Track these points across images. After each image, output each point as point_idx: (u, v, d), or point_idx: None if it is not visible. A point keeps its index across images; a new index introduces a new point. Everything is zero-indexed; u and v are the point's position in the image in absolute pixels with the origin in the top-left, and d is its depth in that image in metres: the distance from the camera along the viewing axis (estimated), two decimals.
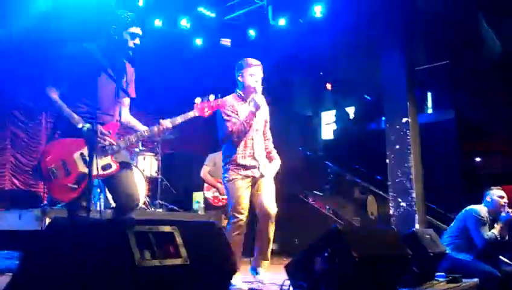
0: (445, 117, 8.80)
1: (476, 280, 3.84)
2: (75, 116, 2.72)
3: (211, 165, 6.41)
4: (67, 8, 6.21)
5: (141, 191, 5.56)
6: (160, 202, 6.01)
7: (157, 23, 7.37)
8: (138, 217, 5.01)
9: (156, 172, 6.15)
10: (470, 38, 8.88)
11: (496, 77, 8.55)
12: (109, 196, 5.34)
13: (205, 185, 6.36)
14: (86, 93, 2.76)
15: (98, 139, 2.68)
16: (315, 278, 2.51)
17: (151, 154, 6.26)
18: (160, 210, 5.90)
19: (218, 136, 3.84)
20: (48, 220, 4.36)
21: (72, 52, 2.81)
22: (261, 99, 3.55)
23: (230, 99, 3.60)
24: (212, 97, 3.19)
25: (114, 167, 2.77)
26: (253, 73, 3.62)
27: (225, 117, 3.60)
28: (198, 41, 8.00)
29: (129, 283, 1.64)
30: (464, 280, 3.60)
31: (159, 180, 6.16)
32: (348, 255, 2.46)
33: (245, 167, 3.57)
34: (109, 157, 2.77)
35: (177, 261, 1.78)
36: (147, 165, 6.09)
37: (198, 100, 3.18)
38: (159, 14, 7.43)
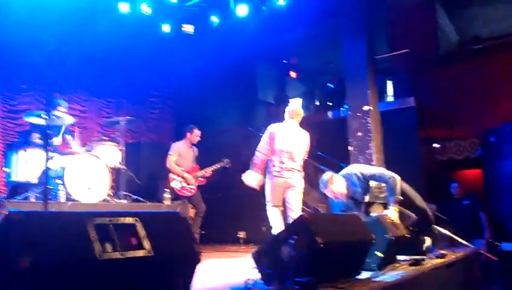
0: (405, 105, 8.99)
1: (435, 262, 3.96)
2: None
3: (176, 154, 6.31)
4: None
5: (105, 182, 5.42)
6: (125, 193, 5.88)
7: (123, 7, 7.13)
8: (99, 210, 4.90)
9: (119, 162, 6.01)
10: (427, 27, 9.10)
11: (453, 65, 8.81)
12: (70, 188, 5.19)
13: (170, 175, 6.26)
14: None
15: None
16: (282, 265, 2.52)
17: (113, 144, 6.10)
18: (125, 201, 5.77)
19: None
20: (5, 214, 4.19)
21: None
22: None
23: None
24: None
25: None
26: None
27: None
28: (165, 28, 7.79)
29: (90, 276, 1.59)
30: (424, 263, 3.70)
31: (123, 170, 6.02)
32: (313, 242, 2.48)
33: None
34: None
35: (140, 253, 1.74)
36: (109, 155, 5.93)
37: None
38: None
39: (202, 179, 6.44)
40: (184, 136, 6.47)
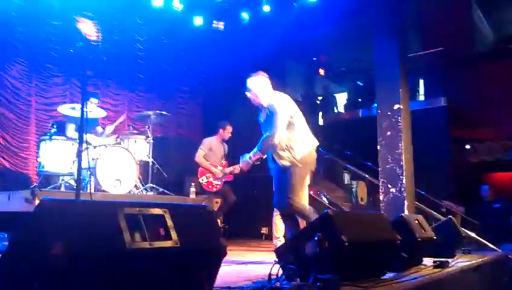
0: (436, 104, 8.84)
1: (461, 265, 3.90)
2: None
3: (207, 149, 6.36)
4: None
5: (132, 175, 5.54)
6: (151, 185, 5.99)
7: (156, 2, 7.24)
8: (129, 200, 5.01)
9: (147, 155, 6.13)
10: (463, 26, 8.89)
11: (487, 65, 8.59)
12: (100, 179, 5.33)
13: (199, 169, 6.32)
14: None
15: None
16: (305, 262, 2.53)
17: (142, 137, 6.22)
18: (151, 193, 5.89)
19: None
20: (37, 202, 4.34)
21: None
22: None
23: None
24: None
25: None
26: None
27: None
28: (196, 23, 7.87)
29: (119, 264, 1.64)
30: (449, 265, 3.65)
31: (150, 164, 6.13)
32: (338, 240, 2.48)
33: None
34: None
35: (167, 244, 1.78)
36: (138, 149, 6.05)
37: None
38: None
39: (230, 175, 6.48)
40: (216, 132, 6.51)
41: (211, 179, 6.29)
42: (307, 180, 4.34)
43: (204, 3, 7.69)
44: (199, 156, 6.32)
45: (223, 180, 6.37)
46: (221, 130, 6.48)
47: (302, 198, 4.25)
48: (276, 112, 3.85)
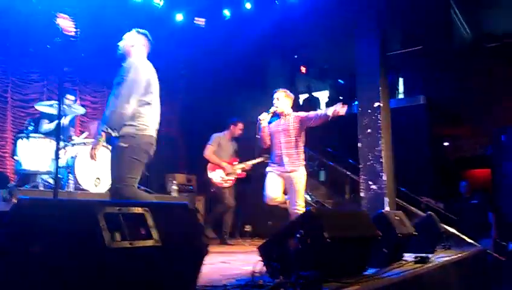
0: (415, 102, 8.95)
1: (441, 260, 3.96)
2: None
3: (216, 145, 6.24)
4: None
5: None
6: None
7: None
8: (108, 199, 4.94)
9: None
10: (441, 25, 9.01)
11: (465, 63, 8.73)
12: (79, 177, 5.24)
13: (208, 165, 6.18)
14: None
15: None
16: (288, 259, 2.53)
17: None
18: None
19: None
20: (15, 201, 4.25)
21: None
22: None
23: None
24: None
25: None
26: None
27: None
28: (177, 20, 7.80)
29: (99, 264, 1.60)
30: (430, 260, 3.69)
31: None
32: (320, 236, 2.49)
33: None
34: None
35: (148, 243, 1.75)
36: None
37: None
38: None
39: (242, 172, 6.34)
40: (227, 127, 6.39)
41: (223, 175, 6.14)
42: None
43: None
44: (210, 152, 6.17)
45: (235, 176, 6.27)
46: (232, 127, 6.36)
47: None
48: None
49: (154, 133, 3.54)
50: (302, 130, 4.70)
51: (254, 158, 6.36)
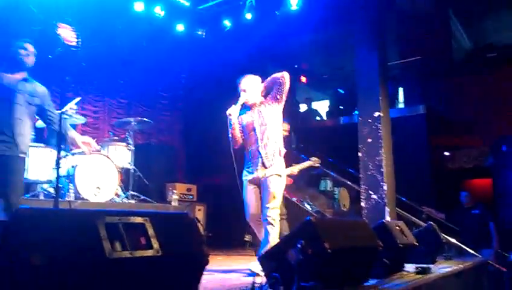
0: (415, 112, 8.96)
1: (442, 271, 3.93)
2: None
3: None
4: None
5: (113, 182, 5.46)
6: (132, 193, 5.91)
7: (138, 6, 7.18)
8: (109, 208, 4.92)
9: (128, 163, 6.05)
10: (441, 36, 9.06)
11: (464, 73, 8.76)
12: (79, 187, 5.23)
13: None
14: None
15: None
16: (288, 269, 2.52)
17: (123, 144, 6.14)
18: (133, 201, 5.81)
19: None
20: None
21: None
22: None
23: None
24: None
25: None
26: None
27: None
28: (178, 30, 7.84)
29: (99, 274, 1.60)
30: (431, 271, 3.67)
31: (131, 171, 6.05)
32: (321, 247, 2.47)
33: None
34: None
35: (149, 253, 1.75)
36: (119, 156, 5.98)
37: None
38: None
39: (290, 179, 5.74)
40: None
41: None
42: None
43: (186, 10, 7.67)
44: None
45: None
46: None
47: None
48: None
49: None
50: (277, 113, 4.00)
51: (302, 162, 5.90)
